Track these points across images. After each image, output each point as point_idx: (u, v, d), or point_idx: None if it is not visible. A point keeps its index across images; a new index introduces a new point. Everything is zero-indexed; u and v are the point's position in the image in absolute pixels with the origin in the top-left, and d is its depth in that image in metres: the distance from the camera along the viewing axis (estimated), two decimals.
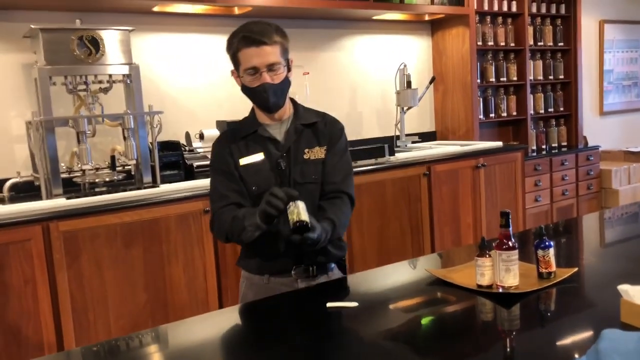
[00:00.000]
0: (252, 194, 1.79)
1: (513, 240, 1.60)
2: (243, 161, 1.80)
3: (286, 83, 1.79)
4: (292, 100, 1.90)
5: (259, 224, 1.67)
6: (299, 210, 1.58)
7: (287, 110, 1.86)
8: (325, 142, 1.84)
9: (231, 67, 1.81)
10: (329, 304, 1.56)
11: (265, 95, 1.74)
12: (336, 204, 1.79)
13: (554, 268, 1.65)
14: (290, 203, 1.60)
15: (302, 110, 1.89)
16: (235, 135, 1.85)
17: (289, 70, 1.80)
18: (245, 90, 1.78)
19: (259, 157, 1.80)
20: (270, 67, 1.73)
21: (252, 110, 1.89)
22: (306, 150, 1.82)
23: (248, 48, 1.71)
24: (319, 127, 1.86)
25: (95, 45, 2.86)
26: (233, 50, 1.75)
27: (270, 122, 1.84)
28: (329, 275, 1.87)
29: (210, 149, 3.35)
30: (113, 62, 2.93)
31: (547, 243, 1.64)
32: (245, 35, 1.71)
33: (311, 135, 1.84)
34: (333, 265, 1.90)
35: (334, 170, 1.83)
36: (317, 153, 1.82)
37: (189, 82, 3.64)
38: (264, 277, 1.83)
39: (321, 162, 1.82)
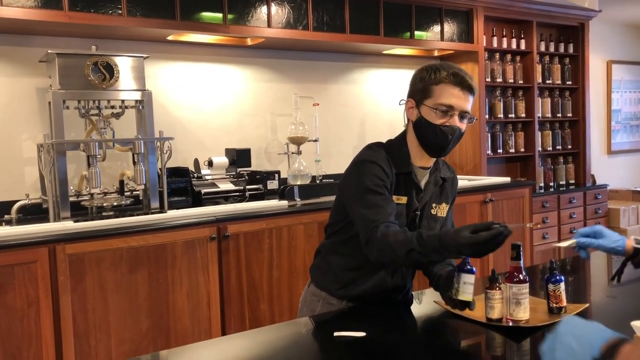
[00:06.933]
0: None
1: (524, 273, 1.58)
2: (394, 197, 1.70)
3: (462, 135, 1.71)
4: None
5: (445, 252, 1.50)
6: (464, 289, 1.55)
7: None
8: (449, 200, 1.82)
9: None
10: (336, 333, 1.53)
11: (448, 139, 1.64)
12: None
13: (564, 303, 1.62)
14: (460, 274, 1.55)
15: (441, 160, 1.82)
16: (391, 167, 1.71)
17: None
18: (423, 124, 1.66)
19: (404, 199, 1.71)
20: (463, 115, 1.65)
21: (405, 143, 1.74)
22: (434, 205, 1.77)
23: (454, 87, 1.62)
24: (448, 183, 1.81)
25: (109, 71, 2.90)
26: (432, 81, 1.65)
27: (421, 165, 1.74)
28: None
29: (216, 176, 3.39)
30: (126, 87, 2.96)
31: (558, 277, 1.62)
32: (456, 73, 1.63)
33: (440, 190, 1.79)
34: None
35: (446, 223, 1.83)
36: (442, 210, 1.79)
37: (200, 110, 3.68)
38: (343, 302, 1.81)
39: (442, 220, 1.80)
